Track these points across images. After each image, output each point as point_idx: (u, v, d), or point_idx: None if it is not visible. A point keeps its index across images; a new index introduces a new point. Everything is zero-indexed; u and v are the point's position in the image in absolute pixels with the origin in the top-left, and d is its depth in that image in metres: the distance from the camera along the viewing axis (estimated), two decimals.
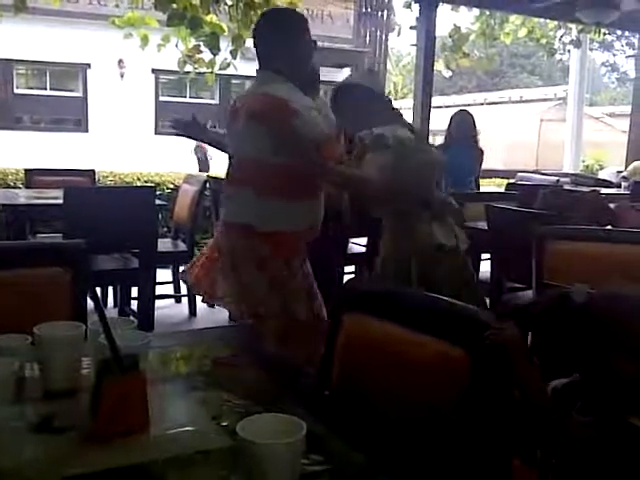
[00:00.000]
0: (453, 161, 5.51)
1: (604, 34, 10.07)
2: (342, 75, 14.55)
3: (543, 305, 1.48)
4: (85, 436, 1.23)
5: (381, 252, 3.02)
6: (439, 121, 7.18)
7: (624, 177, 8.25)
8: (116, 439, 1.23)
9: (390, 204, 2.91)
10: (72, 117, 13.33)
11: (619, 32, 24.05)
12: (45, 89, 13.30)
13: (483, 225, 4.22)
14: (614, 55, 36.46)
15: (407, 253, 2.85)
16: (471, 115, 5.98)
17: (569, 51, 10.62)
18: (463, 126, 5.85)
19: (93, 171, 5.84)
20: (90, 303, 1.54)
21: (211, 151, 10.39)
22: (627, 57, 33.58)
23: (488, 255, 4.65)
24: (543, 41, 9.52)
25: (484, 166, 6.33)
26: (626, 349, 1.35)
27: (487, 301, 4.20)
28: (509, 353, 1.44)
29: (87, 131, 13.05)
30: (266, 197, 2.56)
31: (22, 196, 4.79)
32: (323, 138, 2.59)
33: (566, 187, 6.38)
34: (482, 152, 6.03)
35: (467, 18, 8.98)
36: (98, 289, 4.91)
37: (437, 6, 7.32)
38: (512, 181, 7.84)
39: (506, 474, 1.47)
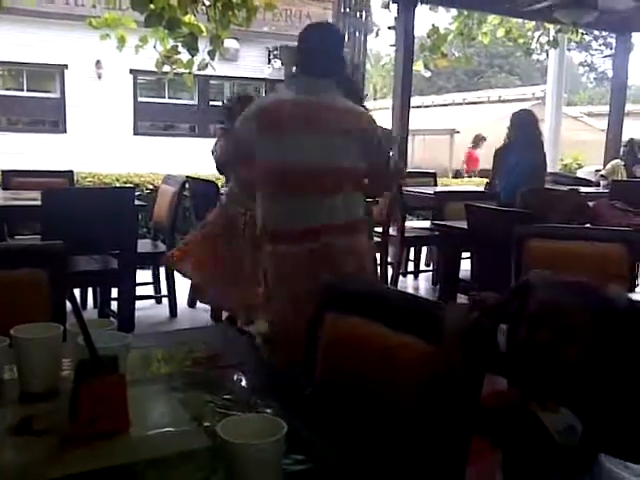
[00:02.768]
0: (511, 162, 5.46)
1: (582, 34, 10.14)
2: None
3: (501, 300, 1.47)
4: (64, 438, 1.22)
5: None
6: (418, 121, 7.18)
7: (602, 176, 8.31)
8: (96, 441, 1.22)
9: None
10: (50, 118, 13.23)
11: (597, 32, 24.25)
12: (22, 90, 13.18)
13: (463, 224, 4.24)
14: (592, 55, 36.79)
15: None
16: (533, 115, 5.73)
17: (547, 51, 10.69)
18: (522, 127, 5.56)
19: (72, 172, 5.80)
20: (69, 304, 1.53)
21: None
22: (604, 57, 33.90)
23: (468, 254, 4.69)
24: (521, 41, 9.57)
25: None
26: (566, 334, 1.35)
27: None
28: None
29: (65, 132, 12.95)
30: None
31: (0, 198, 4.74)
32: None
33: (546, 186, 6.41)
34: (545, 155, 5.80)
35: (445, 18, 9.03)
36: (78, 290, 4.89)
37: (415, 6, 7.34)
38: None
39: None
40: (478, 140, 14.72)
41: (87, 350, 1.26)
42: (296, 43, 2.83)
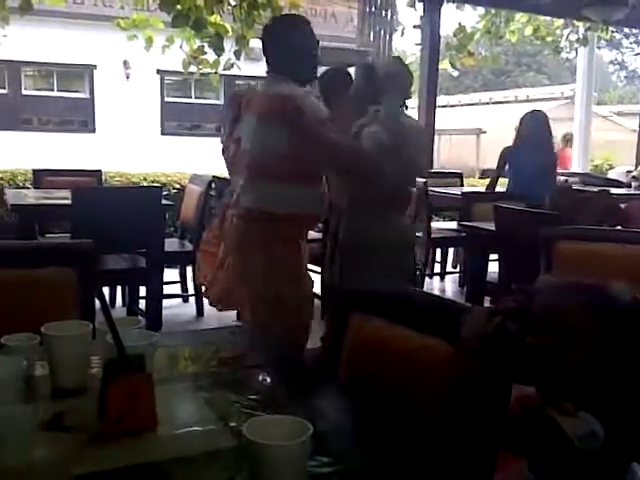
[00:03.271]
0: (524, 163, 5.43)
1: (612, 32, 10.01)
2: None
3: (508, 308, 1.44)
4: (93, 435, 1.24)
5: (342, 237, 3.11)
6: (444, 120, 7.14)
7: (634, 177, 8.17)
8: (124, 438, 1.23)
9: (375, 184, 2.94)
10: (79, 118, 13.35)
11: (627, 30, 23.93)
12: (52, 90, 13.33)
13: (490, 225, 4.21)
14: (622, 53, 36.36)
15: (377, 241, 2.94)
16: (544, 115, 5.73)
17: (576, 49, 10.57)
18: (534, 127, 5.58)
19: (100, 171, 5.86)
20: (98, 303, 1.54)
21: None
22: (635, 55, 33.48)
23: (495, 256, 4.65)
24: (549, 39, 9.47)
25: (490, 165, 6.28)
26: (569, 337, 1.33)
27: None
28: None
29: (94, 132, 13.08)
30: (283, 184, 2.74)
31: (31, 196, 4.80)
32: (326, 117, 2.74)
33: (575, 187, 6.34)
34: (556, 155, 5.79)
35: (472, 17, 8.97)
36: (106, 289, 4.94)
37: (441, 5, 7.30)
38: None
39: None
40: (568, 139, 13.80)
41: (115, 348, 1.27)
42: (322, 43, 2.97)
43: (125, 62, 12.64)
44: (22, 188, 6.27)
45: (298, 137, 2.66)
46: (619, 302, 1.34)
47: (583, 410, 1.30)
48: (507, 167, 5.72)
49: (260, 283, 2.74)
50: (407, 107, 3.13)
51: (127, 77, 12.95)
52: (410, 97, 3.19)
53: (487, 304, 4.43)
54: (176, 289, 5.21)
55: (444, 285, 6.63)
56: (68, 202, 4.00)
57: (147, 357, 1.34)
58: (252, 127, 2.77)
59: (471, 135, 18.43)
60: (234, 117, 2.91)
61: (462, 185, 7.53)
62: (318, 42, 2.91)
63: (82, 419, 1.30)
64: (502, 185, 6.03)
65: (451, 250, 6.65)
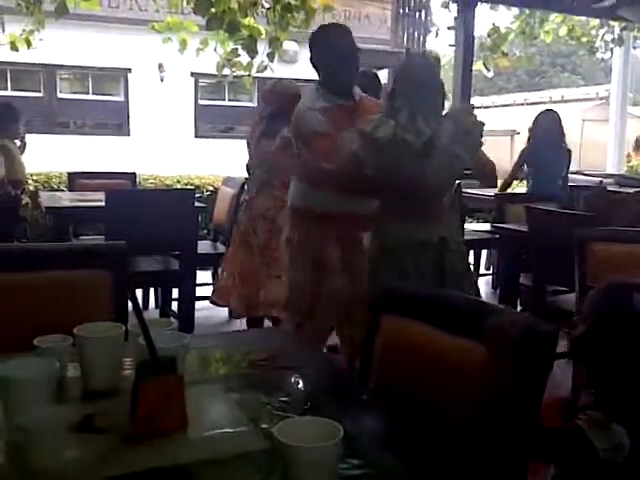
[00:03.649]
0: (541, 162, 5.57)
1: None
2: (380, 76, 14.48)
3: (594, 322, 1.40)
4: (124, 436, 1.24)
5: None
6: None
7: None
8: (155, 440, 1.24)
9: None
10: (114, 121, 13.48)
11: None
12: (87, 93, 13.48)
13: (524, 227, 4.17)
14: None
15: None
16: (557, 114, 5.84)
17: (611, 49, 10.43)
18: (549, 126, 5.72)
19: (134, 174, 5.92)
20: (131, 304, 1.55)
21: None
22: None
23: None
24: (584, 40, 9.37)
25: None
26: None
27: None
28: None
29: (129, 134, 13.20)
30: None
31: (65, 199, 4.87)
32: (309, 133, 2.90)
33: (610, 188, 6.26)
34: (570, 152, 5.93)
35: (506, 17, 8.89)
36: (139, 290, 4.98)
37: (475, 6, 7.25)
38: None
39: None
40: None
41: (147, 350, 1.28)
42: (359, 45, 3.07)
43: (160, 65, 12.74)
44: (57, 191, 6.36)
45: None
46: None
47: (614, 420, 1.28)
48: (525, 167, 5.89)
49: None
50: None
51: (161, 80, 13.04)
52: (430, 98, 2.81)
53: (519, 306, 4.40)
54: (209, 291, 5.23)
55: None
56: (102, 204, 4.05)
57: (179, 359, 1.35)
58: None
59: (505, 136, 18.25)
60: None
61: (496, 186, 7.45)
62: (354, 50, 3.01)
63: (113, 421, 1.31)
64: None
65: (484, 252, 6.59)
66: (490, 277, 6.54)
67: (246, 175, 4.75)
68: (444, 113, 2.81)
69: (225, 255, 4.45)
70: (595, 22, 9.17)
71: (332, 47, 2.99)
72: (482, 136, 2.78)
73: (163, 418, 1.25)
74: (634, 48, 11.34)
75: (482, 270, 6.65)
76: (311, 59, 3.06)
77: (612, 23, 9.00)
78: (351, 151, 2.71)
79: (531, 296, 4.02)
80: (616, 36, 9.33)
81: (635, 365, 1.30)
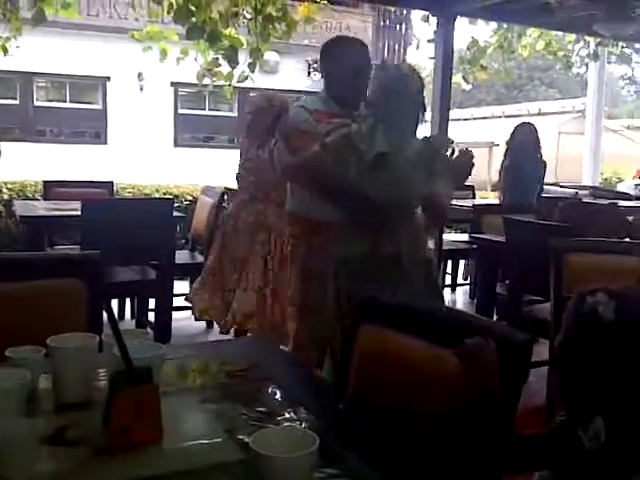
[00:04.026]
0: (517, 173, 5.67)
1: (622, 47, 10.01)
2: None
3: (567, 332, 1.42)
4: (98, 448, 1.23)
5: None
6: (457, 134, 7.15)
7: None
8: (129, 451, 1.23)
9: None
10: (92, 129, 13.42)
11: (637, 45, 23.92)
12: (65, 102, 13.40)
13: (501, 237, 4.20)
14: (633, 68, 36.27)
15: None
16: (534, 127, 5.97)
17: (587, 64, 10.57)
18: (525, 138, 5.83)
19: (111, 183, 5.88)
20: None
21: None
22: None
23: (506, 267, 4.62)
24: (561, 54, 9.49)
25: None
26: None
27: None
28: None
29: (106, 143, 13.14)
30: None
31: (41, 208, 4.82)
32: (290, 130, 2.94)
33: (585, 200, 6.34)
34: (545, 164, 6.03)
35: (485, 31, 8.98)
36: (115, 300, 4.94)
37: (455, 20, 7.31)
38: None
39: None
40: None
41: (122, 360, 1.27)
42: None
43: (139, 74, 12.71)
44: (31, 199, 6.30)
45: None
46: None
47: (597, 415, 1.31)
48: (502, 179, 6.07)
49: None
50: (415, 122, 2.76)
51: (141, 89, 13.01)
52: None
53: (496, 316, 4.42)
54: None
55: (455, 297, 6.61)
56: (78, 213, 4.02)
57: (154, 369, 1.34)
58: None
59: (483, 148, 18.40)
60: None
61: (474, 197, 7.52)
62: (368, 67, 2.98)
63: (87, 433, 1.29)
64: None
65: (462, 262, 6.63)
66: (468, 287, 6.58)
67: (226, 185, 4.76)
68: (424, 136, 2.79)
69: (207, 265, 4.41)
70: (571, 37, 9.29)
71: (348, 60, 2.96)
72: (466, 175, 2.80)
73: (138, 429, 1.24)
74: (609, 63, 11.49)
75: (460, 280, 6.69)
76: (322, 66, 3.07)
77: (588, 38, 9.12)
78: (314, 150, 2.68)
79: (507, 305, 4.05)
80: (591, 51, 9.45)
81: (605, 370, 1.34)
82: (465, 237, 6.04)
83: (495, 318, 4.32)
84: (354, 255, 2.68)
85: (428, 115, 7.49)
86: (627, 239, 3.68)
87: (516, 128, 5.95)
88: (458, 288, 6.69)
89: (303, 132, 2.83)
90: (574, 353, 1.37)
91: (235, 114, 14.29)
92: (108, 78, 12.92)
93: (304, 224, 3.06)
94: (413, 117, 2.69)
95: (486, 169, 17.96)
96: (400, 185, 2.63)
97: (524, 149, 5.76)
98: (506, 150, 5.99)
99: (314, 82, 14.14)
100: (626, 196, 8.18)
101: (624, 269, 2.94)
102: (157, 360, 1.44)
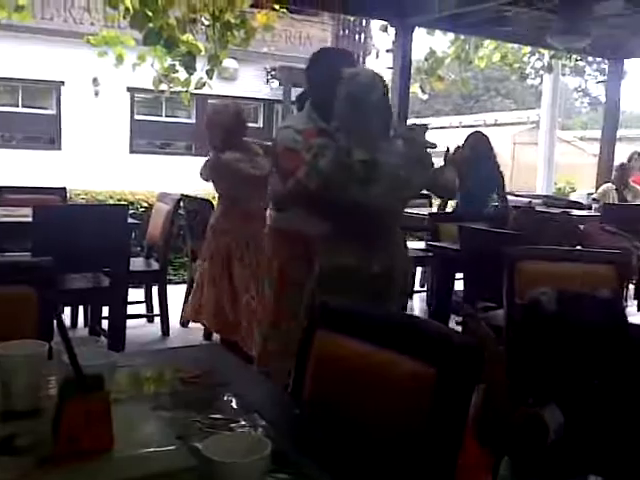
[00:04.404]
0: (467, 183, 5.70)
1: (576, 60, 10.23)
2: None
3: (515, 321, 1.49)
4: (47, 457, 1.21)
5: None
6: None
7: (594, 199, 8.35)
8: (79, 460, 1.20)
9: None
10: (45, 135, 13.23)
11: (591, 58, 24.48)
12: (17, 106, 13.20)
13: (457, 245, 4.25)
14: (586, 80, 37.07)
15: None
16: (485, 136, 6.07)
17: (541, 76, 10.77)
18: (477, 147, 5.88)
19: (64, 189, 5.79)
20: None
21: None
22: (597, 83, 34.16)
23: (460, 274, 4.69)
24: (516, 66, 9.65)
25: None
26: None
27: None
28: (484, 348, 1.44)
29: (60, 149, 12.96)
30: None
31: None
32: (280, 150, 2.90)
33: (538, 208, 6.43)
34: (502, 173, 6.15)
35: (443, 42, 9.10)
36: (68, 308, 4.87)
37: (413, 30, 7.41)
38: None
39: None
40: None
41: (71, 368, 1.25)
42: (296, 64, 3.05)
43: (94, 79, 12.58)
44: None
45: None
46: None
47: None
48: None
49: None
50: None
51: (96, 94, 12.87)
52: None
53: (452, 322, 4.47)
54: (141, 309, 5.15)
55: (412, 304, 6.65)
56: (29, 220, 3.95)
57: (105, 377, 1.32)
58: None
59: (440, 157, 18.60)
60: None
61: (431, 206, 7.59)
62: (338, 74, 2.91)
63: (35, 441, 1.27)
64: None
65: (419, 269, 6.68)
66: (425, 294, 6.63)
67: (182, 191, 4.74)
68: (394, 132, 2.81)
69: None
70: (527, 49, 9.46)
71: (335, 73, 2.83)
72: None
73: (88, 437, 1.22)
74: (563, 75, 11.73)
75: (417, 287, 6.74)
76: (309, 77, 3.04)
77: (542, 51, 9.31)
78: (295, 179, 2.69)
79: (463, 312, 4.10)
80: (546, 63, 9.65)
81: (552, 355, 1.39)
82: (422, 245, 6.09)
83: (451, 325, 4.36)
84: (342, 269, 2.70)
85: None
86: (578, 247, 3.76)
87: (468, 137, 6.01)
88: (415, 295, 6.73)
89: (293, 151, 2.80)
90: (521, 340, 1.42)
91: (192, 121, 14.23)
92: (62, 83, 12.77)
93: (283, 236, 3.07)
94: (384, 121, 2.74)
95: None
96: (397, 188, 2.68)
97: (475, 158, 5.83)
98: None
99: (272, 90, 14.17)
100: (578, 205, 8.33)
101: (575, 276, 3.00)
102: (108, 368, 1.42)
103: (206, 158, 4.36)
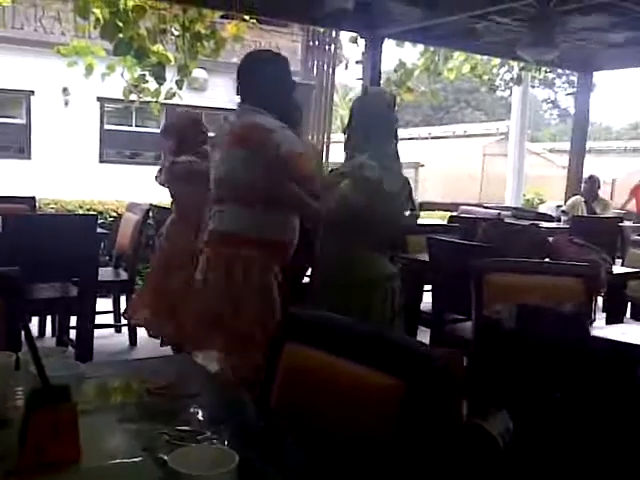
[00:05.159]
0: None
1: (545, 72, 10.37)
2: None
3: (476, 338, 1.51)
4: (11, 469, 1.20)
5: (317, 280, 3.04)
6: None
7: (563, 211, 8.45)
8: (46, 471, 1.20)
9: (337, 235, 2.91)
10: (14, 144, 13.09)
11: (560, 70, 24.84)
12: None
13: (425, 257, 4.27)
14: (555, 92, 37.61)
15: (348, 283, 2.86)
16: None
17: (510, 88, 10.91)
18: None
19: (33, 198, 5.75)
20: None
21: None
22: (567, 95, 34.67)
23: (429, 287, 4.71)
24: (485, 78, 9.76)
25: (427, 198, 6.40)
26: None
27: (428, 332, 4.26)
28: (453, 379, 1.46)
29: (30, 158, 12.83)
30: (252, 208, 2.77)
31: None
32: (296, 154, 2.73)
33: (507, 220, 6.50)
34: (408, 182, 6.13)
35: (413, 54, 9.18)
36: (36, 318, 4.82)
37: (382, 42, 7.47)
38: (455, 214, 7.97)
39: None
40: None
41: (39, 379, 1.25)
42: None
43: (64, 89, 12.48)
44: None
45: (273, 172, 2.69)
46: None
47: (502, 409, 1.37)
48: None
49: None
50: (396, 151, 3.00)
51: (66, 104, 12.78)
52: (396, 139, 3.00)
53: (421, 334, 4.49)
54: (109, 319, 5.12)
55: None
56: None
57: (72, 387, 1.31)
58: (226, 154, 2.84)
59: (409, 169, 18.74)
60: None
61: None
62: (294, 83, 2.93)
63: (1, 453, 1.25)
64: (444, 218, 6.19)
65: None
66: None
67: (151, 201, 4.72)
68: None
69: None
70: (496, 61, 9.57)
71: (286, 76, 2.89)
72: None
73: (54, 449, 1.21)
74: (532, 87, 11.90)
75: None
76: (256, 84, 2.85)
77: (512, 63, 9.42)
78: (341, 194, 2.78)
79: (431, 324, 4.12)
80: (515, 75, 9.76)
81: (511, 370, 1.42)
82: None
83: (419, 337, 4.38)
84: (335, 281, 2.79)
85: None
86: (547, 259, 3.80)
87: None
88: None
89: (301, 154, 2.75)
90: (481, 356, 1.45)
91: None
92: (32, 92, 12.66)
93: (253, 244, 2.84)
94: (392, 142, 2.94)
95: (413, 189, 18.29)
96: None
97: None
98: None
99: None
100: (547, 217, 8.43)
101: (543, 289, 3.03)
102: (75, 378, 1.41)
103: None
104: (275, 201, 2.77)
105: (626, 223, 7.55)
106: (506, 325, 1.44)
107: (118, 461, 1.29)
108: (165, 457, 1.18)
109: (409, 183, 3.02)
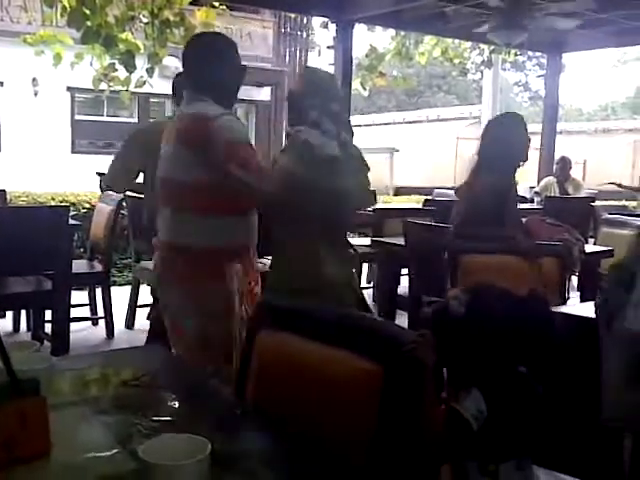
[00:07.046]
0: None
1: (515, 54, 10.40)
2: (262, 93, 14.56)
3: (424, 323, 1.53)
4: None
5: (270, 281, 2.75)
6: (358, 140, 7.22)
7: (536, 192, 8.52)
8: (15, 466, 1.18)
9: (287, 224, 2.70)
10: None
11: (530, 52, 24.97)
12: None
13: (402, 241, 4.28)
14: (526, 75, 37.79)
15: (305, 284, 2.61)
16: None
17: (481, 71, 10.94)
18: None
19: (4, 191, 5.67)
20: None
21: None
22: (537, 77, 34.87)
23: (406, 270, 4.73)
24: (457, 61, 9.78)
25: (404, 183, 6.42)
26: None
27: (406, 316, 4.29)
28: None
29: None
30: (199, 214, 2.53)
31: None
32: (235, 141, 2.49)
33: None
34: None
35: (384, 38, 9.18)
36: (10, 313, 4.77)
37: (353, 26, 7.46)
38: (429, 197, 7.99)
39: None
40: None
41: (5, 372, 1.23)
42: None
43: (33, 79, 12.32)
44: None
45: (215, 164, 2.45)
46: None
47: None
48: None
49: (180, 318, 2.59)
50: (347, 125, 2.78)
51: (35, 94, 12.61)
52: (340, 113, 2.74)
53: (398, 317, 4.51)
54: (85, 312, 5.07)
55: None
56: None
57: (42, 381, 1.30)
58: (169, 152, 2.58)
59: (385, 154, 18.76)
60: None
61: (376, 202, 7.63)
62: (245, 67, 2.69)
63: None
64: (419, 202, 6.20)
65: (365, 266, 6.72)
66: (371, 290, 6.67)
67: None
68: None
69: None
70: (467, 45, 9.59)
71: (237, 60, 2.67)
72: None
73: (22, 443, 1.19)
74: (504, 70, 11.96)
75: (363, 284, 6.77)
76: (209, 69, 2.60)
77: (482, 46, 9.44)
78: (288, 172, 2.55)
79: (408, 307, 4.14)
80: (485, 58, 9.79)
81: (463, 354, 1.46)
82: (367, 241, 6.12)
83: (397, 320, 4.40)
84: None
85: None
86: None
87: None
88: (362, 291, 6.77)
89: (242, 142, 2.52)
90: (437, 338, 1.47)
91: (135, 120, 14.05)
92: (1, 83, 12.47)
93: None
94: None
95: (388, 174, 18.33)
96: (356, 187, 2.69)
97: None
98: None
99: None
100: (520, 198, 8.47)
101: (517, 269, 3.05)
102: (45, 372, 1.39)
103: None
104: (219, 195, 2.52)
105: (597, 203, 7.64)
106: (456, 311, 1.46)
107: (92, 454, 1.28)
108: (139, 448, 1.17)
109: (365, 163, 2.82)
